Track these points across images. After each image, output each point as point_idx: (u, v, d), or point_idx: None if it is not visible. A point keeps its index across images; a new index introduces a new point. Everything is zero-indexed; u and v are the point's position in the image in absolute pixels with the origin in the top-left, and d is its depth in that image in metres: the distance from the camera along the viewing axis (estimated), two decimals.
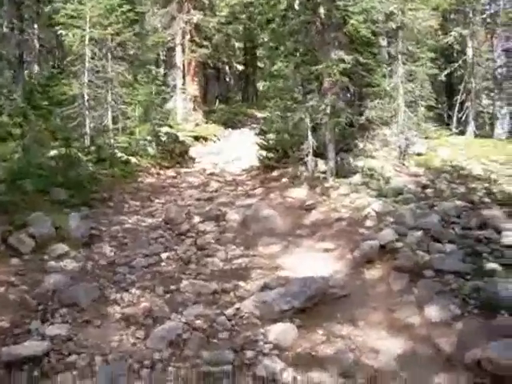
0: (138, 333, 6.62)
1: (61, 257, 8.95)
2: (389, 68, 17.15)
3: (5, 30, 21.21)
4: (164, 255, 9.41)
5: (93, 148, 15.80)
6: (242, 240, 10.23)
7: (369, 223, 10.18)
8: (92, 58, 16.25)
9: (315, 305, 7.20)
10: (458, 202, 12.07)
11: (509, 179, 14.56)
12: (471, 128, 24.40)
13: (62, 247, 9.22)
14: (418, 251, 8.50)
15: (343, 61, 13.25)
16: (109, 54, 16.65)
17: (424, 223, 9.99)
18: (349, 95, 16.33)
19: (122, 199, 13.39)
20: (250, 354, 6.10)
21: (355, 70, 15.57)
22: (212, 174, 17.97)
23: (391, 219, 10.08)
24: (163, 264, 9.05)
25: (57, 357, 6.01)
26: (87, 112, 16.17)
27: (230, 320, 6.92)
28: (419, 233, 9.25)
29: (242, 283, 8.08)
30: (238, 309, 7.20)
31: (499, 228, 10.21)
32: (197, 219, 11.61)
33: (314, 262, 8.70)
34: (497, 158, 16.76)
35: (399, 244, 8.77)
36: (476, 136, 23.77)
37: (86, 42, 16.08)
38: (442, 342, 6.35)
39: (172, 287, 7.94)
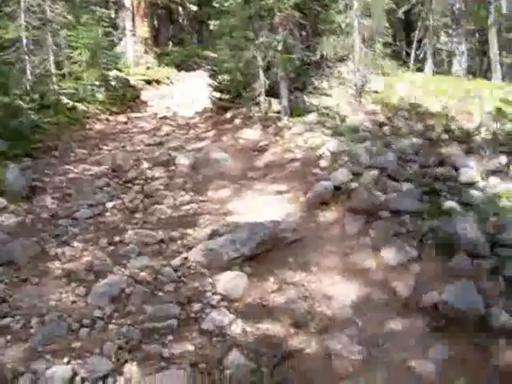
0: (79, 289, 6.17)
1: None
2: (343, 2, 16.51)
3: None
4: (109, 204, 8.91)
5: (35, 95, 14.94)
6: (192, 185, 9.78)
7: (323, 163, 9.83)
8: None
9: (266, 251, 6.85)
10: (416, 140, 11.85)
11: (466, 116, 14.36)
12: (429, 65, 24.04)
13: (1, 201, 8.65)
14: (373, 191, 8.21)
15: None
16: None
17: (380, 161, 9.72)
18: (304, 32, 15.77)
19: (67, 148, 12.73)
20: (196, 306, 5.74)
21: (308, 6, 14.97)
22: (164, 118, 17.28)
23: (346, 158, 9.74)
24: (108, 214, 8.57)
25: None
26: (27, 57, 15.20)
27: (176, 271, 6.52)
28: (375, 172, 8.96)
29: (189, 231, 7.66)
30: (185, 258, 6.81)
31: (457, 165, 10.01)
32: (145, 165, 11.09)
33: (266, 206, 8.34)
34: (454, 95, 16.49)
35: (354, 184, 8.46)
36: (434, 73, 23.45)
37: None
38: (398, 285, 6.13)
39: (116, 238, 7.49)
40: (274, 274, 6.49)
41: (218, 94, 15.97)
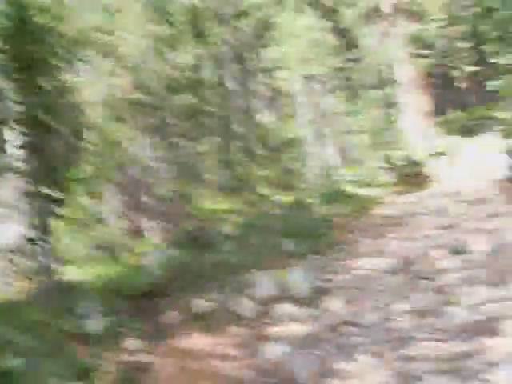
0: None
1: (282, 320, 8.23)
2: None
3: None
4: (395, 307, 8.15)
5: (319, 187, 15.20)
6: (492, 277, 8.51)
7: None
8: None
9: None
10: None
11: None
12: None
13: (283, 308, 8.53)
14: None
15: None
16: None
17: None
18: None
19: (352, 239, 12.43)
20: None
21: None
22: (452, 193, 16.13)
23: None
24: (394, 319, 7.80)
25: None
26: (308, 151, 15.66)
27: None
28: None
29: (490, 342, 6.46)
30: (486, 381, 5.66)
31: None
32: (435, 254, 10.15)
33: None
34: None
35: None
36: None
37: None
38: None
39: (404, 352, 6.66)
40: None
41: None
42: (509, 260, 9.00)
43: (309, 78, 15.59)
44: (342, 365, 6.69)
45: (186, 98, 15.63)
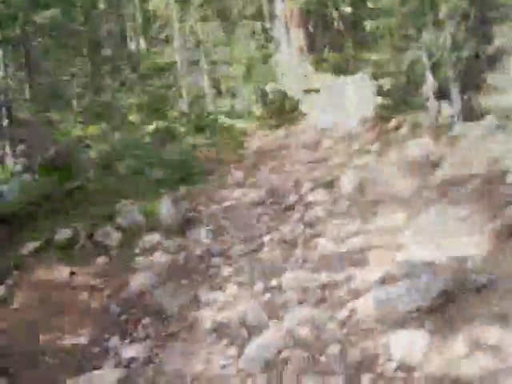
0: (230, 350, 5.40)
1: (150, 250, 7.94)
2: None
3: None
4: (266, 238, 8.14)
5: (191, 116, 14.77)
6: (358, 210, 8.70)
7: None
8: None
9: (450, 301, 5.59)
10: None
11: None
12: None
13: (151, 238, 8.23)
14: None
15: None
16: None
17: None
18: (470, 23, 14.02)
19: (224, 170, 12.26)
20: (366, 380, 4.67)
21: None
22: (324, 129, 16.34)
23: None
24: (265, 249, 7.78)
25: None
26: (182, 79, 15.10)
27: (341, 326, 5.51)
28: None
29: (356, 272, 6.59)
30: (351, 310, 5.76)
31: None
32: (305, 187, 10.24)
33: (445, 237, 7.02)
34: None
35: None
36: None
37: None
38: None
39: (272, 283, 6.65)
40: (461, 331, 5.20)
41: (380, 100, 14.72)
42: (374, 195, 9.23)
43: (185, 2, 14.87)
44: (210, 295, 6.58)
45: (53, 13, 14.35)
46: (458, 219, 7.55)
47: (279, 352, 5.18)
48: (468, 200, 8.07)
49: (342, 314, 5.70)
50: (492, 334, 5.09)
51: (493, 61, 13.94)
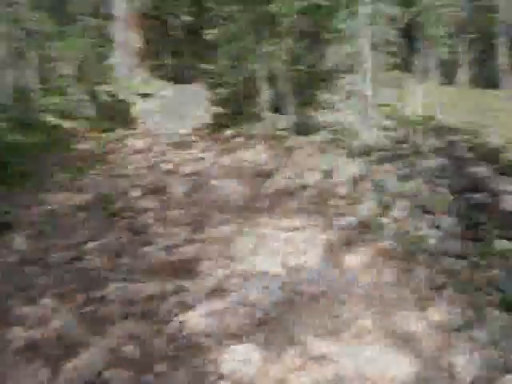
0: (43, 372, 4.74)
1: None
2: (347, 10, 15.16)
3: None
4: (90, 245, 7.48)
5: (15, 112, 13.54)
6: (189, 219, 8.36)
7: (342, 191, 8.45)
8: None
9: (284, 312, 5.42)
10: (440, 160, 10.46)
11: (487, 130, 12.99)
12: (434, 75, 22.83)
13: None
14: (408, 228, 6.80)
15: None
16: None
17: (408, 188, 8.32)
18: (308, 42, 14.44)
19: (47, 172, 11.30)
20: None
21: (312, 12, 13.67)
22: (158, 135, 15.88)
23: (369, 185, 8.34)
24: (88, 258, 7.13)
25: None
26: (7, 70, 13.81)
27: (170, 342, 5.09)
28: (406, 203, 7.55)
29: (187, 283, 6.21)
30: (181, 323, 5.37)
31: (495, 191, 8.62)
32: (135, 193, 9.71)
33: (278, 248, 6.91)
34: (470, 107, 15.20)
35: (385, 220, 7.05)
36: (439, 84, 22.25)
37: None
38: (456, 361, 4.70)
39: (95, 294, 6.05)
40: (295, 343, 5.04)
41: (217, 109, 14.62)
42: (207, 202, 8.98)
43: None
44: (24, 310, 5.82)
45: None
46: (289, 230, 7.50)
47: (100, 372, 4.64)
48: (300, 211, 8.09)
49: (171, 328, 5.29)
50: (324, 344, 4.98)
51: (325, 78, 14.46)
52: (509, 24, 23.41)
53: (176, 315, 5.51)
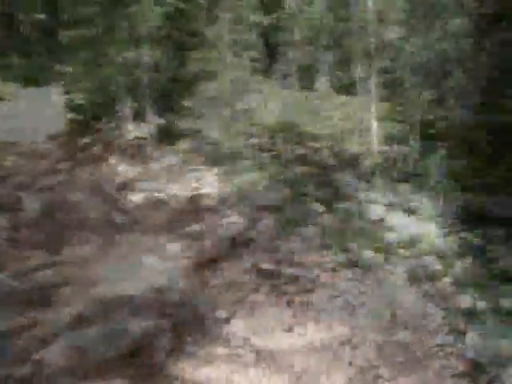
0: None
1: None
2: (212, 14, 15.03)
3: None
4: None
5: None
6: (44, 239, 7.70)
7: (207, 203, 8.22)
8: None
9: (151, 341, 5.06)
10: (304, 168, 10.57)
11: (349, 136, 13.38)
12: (294, 81, 23.39)
13: None
14: (276, 241, 6.71)
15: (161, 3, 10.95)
16: None
17: (274, 200, 8.26)
18: (171, 47, 14.10)
19: None
20: None
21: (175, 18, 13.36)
22: (7, 143, 14.66)
23: (234, 198, 8.18)
24: None
25: None
26: None
27: None
28: (273, 216, 7.46)
29: (44, 313, 5.64)
30: (38, 362, 4.82)
31: (359, 199, 8.80)
32: None
33: (141, 268, 6.53)
34: (331, 113, 15.64)
35: (251, 233, 6.90)
36: (299, 89, 22.79)
37: None
38: None
39: None
40: (163, 375, 4.71)
41: (73, 116, 13.81)
42: (64, 220, 8.36)
43: None
44: None
45: None
46: (152, 248, 7.13)
47: None
48: (163, 227, 7.76)
49: (25, 369, 4.73)
50: (199, 373, 4.71)
51: (188, 85, 14.18)
52: None
53: (33, 352, 4.95)
